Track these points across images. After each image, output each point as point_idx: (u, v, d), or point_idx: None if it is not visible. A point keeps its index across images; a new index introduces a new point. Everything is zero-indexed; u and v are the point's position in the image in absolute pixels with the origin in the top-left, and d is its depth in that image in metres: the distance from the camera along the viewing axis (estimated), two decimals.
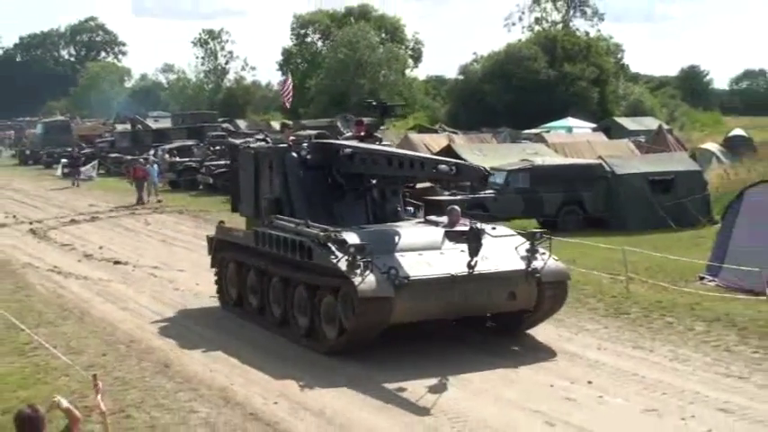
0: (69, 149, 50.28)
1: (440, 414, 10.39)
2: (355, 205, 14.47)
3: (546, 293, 12.86)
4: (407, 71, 78.88)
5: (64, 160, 48.10)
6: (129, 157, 47.02)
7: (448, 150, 30.08)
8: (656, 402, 10.63)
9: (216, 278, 16.38)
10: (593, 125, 50.53)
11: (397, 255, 12.33)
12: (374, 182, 14.53)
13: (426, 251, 12.58)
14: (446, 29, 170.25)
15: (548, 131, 45.48)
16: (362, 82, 68.45)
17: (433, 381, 11.43)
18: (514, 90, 62.59)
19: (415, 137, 38.48)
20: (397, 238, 12.78)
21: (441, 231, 13.05)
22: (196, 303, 16.80)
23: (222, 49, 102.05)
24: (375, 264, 11.84)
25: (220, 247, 16.26)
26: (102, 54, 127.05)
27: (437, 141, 35.82)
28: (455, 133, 42.28)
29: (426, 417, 10.34)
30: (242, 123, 60.19)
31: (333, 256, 12.16)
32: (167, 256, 22.55)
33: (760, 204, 16.66)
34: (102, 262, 21.78)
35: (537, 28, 79.54)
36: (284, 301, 13.75)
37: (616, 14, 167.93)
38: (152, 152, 43.52)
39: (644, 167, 25.99)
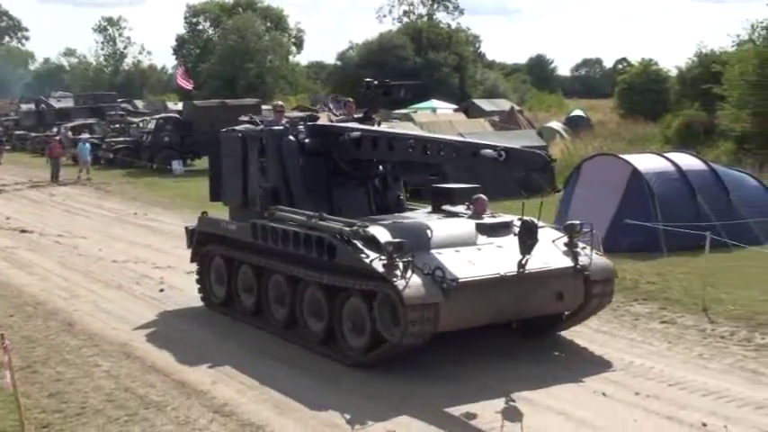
0: None
1: None
2: (356, 194, 11.87)
3: (593, 293, 10.40)
4: (291, 57, 78.37)
5: None
6: (33, 135, 45.70)
7: None
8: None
9: (197, 275, 13.24)
10: (455, 106, 51.08)
11: (434, 252, 9.68)
12: (381, 169, 11.89)
13: (462, 247, 9.95)
14: (325, 19, 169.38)
15: (415, 112, 45.66)
16: (250, 67, 67.61)
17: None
18: (386, 75, 62.44)
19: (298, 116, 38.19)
20: (429, 233, 10.01)
21: (472, 224, 10.52)
22: (98, 267, 16.32)
23: (121, 35, 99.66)
24: (415, 264, 9.24)
25: (203, 241, 13.04)
26: (6, 39, 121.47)
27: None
28: (335, 114, 42.13)
29: None
30: (140, 103, 59.02)
31: (363, 255, 9.51)
32: (71, 225, 21.82)
33: (594, 174, 17.20)
34: (9, 231, 20.93)
35: (405, 20, 80.00)
36: (291, 303, 11.10)
37: (474, 8, 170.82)
38: (55, 129, 42.46)
39: (498, 143, 26.39)
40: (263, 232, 11.09)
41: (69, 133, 40.08)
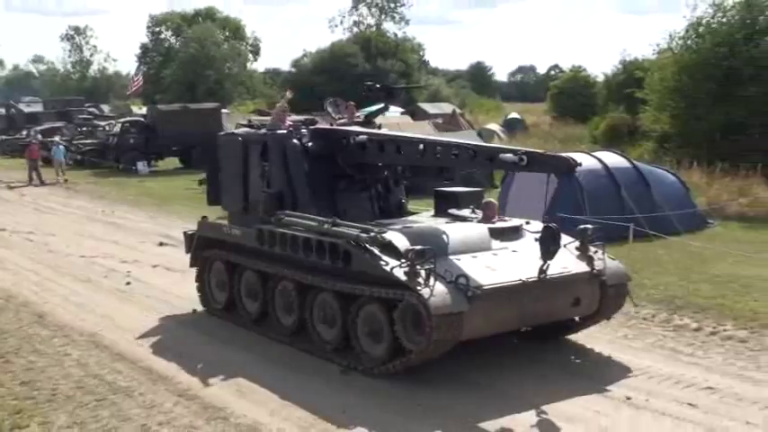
0: None
1: None
2: (360, 198, 10.94)
3: (609, 297, 9.68)
4: (248, 64, 77.71)
5: None
6: (3, 138, 44.88)
7: None
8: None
9: (197, 280, 12.31)
10: (402, 109, 51.09)
11: (453, 258, 8.85)
12: (386, 173, 11.01)
13: (479, 253, 9.16)
14: (280, 28, 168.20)
15: (366, 114, 45.87)
16: (210, 73, 66.86)
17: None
18: (338, 81, 62.71)
19: (255, 119, 37.91)
20: (446, 238, 9.19)
21: (485, 228, 9.67)
22: (68, 262, 16.02)
23: (87, 43, 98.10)
24: (437, 271, 8.37)
25: (204, 245, 12.08)
26: None
27: None
28: (289, 116, 41.88)
29: None
30: (106, 108, 58.21)
31: (383, 262, 8.67)
32: (41, 223, 21.36)
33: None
34: None
35: (355, 30, 79.90)
36: (300, 310, 10.17)
37: (419, 19, 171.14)
38: (24, 132, 41.76)
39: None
40: (270, 238, 10.11)
41: (39, 136, 39.33)
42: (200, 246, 12.12)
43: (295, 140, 10.75)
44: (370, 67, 65.59)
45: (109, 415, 8.18)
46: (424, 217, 10.76)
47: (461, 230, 9.54)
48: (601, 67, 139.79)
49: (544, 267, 8.70)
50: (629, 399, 8.34)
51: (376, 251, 8.78)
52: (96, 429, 7.89)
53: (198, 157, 30.12)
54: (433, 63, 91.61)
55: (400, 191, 11.39)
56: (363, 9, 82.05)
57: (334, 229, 9.26)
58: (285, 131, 11.00)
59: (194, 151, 34.66)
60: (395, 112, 50.49)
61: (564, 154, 8.98)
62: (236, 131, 11.71)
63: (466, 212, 10.39)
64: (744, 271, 13.88)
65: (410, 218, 10.77)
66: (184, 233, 12.67)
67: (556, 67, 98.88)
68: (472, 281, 8.40)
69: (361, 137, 10.42)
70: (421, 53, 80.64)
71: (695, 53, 29.18)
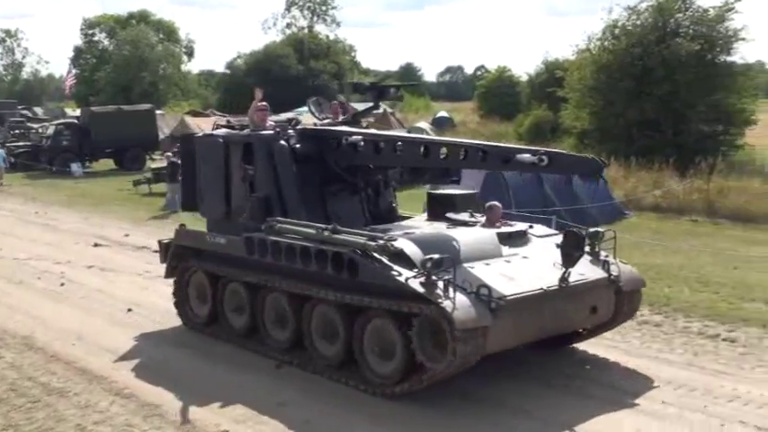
0: None
1: None
2: (351, 202, 10.01)
3: (625, 304, 8.98)
4: (183, 66, 76.44)
5: None
6: None
7: None
8: None
9: (174, 293, 11.10)
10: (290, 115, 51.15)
11: (468, 267, 7.98)
12: (381, 176, 10.16)
13: (491, 260, 8.32)
14: (214, 30, 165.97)
15: (300, 115, 45.61)
16: (144, 75, 65.57)
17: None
18: (272, 82, 62.14)
19: (189, 120, 37.48)
20: (456, 245, 8.31)
21: (493, 233, 8.84)
22: (0, 265, 15.45)
23: (19, 45, 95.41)
24: (455, 282, 7.47)
25: (182, 255, 10.89)
26: None
27: (208, 123, 34.96)
28: (224, 116, 41.46)
29: None
30: (39, 110, 56.49)
31: (395, 273, 7.72)
32: None
33: None
34: None
35: (288, 31, 79.40)
36: (295, 324, 9.19)
37: (350, 21, 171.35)
38: None
39: None
40: (261, 247, 9.04)
41: None
42: (178, 255, 10.92)
43: (283, 142, 9.65)
44: (303, 68, 65.35)
45: (44, 416, 7.96)
46: (419, 221, 9.90)
47: (470, 236, 8.68)
48: (525, 67, 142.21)
49: (566, 275, 8.03)
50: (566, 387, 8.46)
51: (385, 260, 7.84)
52: (31, 431, 7.67)
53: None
54: (365, 64, 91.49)
55: (390, 194, 10.52)
56: (296, 11, 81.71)
57: (336, 236, 8.28)
58: (272, 132, 9.91)
59: (128, 153, 34.06)
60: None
61: (587, 155, 8.09)
62: (215, 132, 10.69)
63: (464, 216, 9.62)
64: (657, 259, 14.28)
65: (405, 223, 9.94)
66: (159, 242, 11.46)
67: (482, 67, 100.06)
68: (495, 291, 7.56)
69: (355, 137, 9.39)
70: (353, 54, 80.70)
71: (611, 54, 29.87)
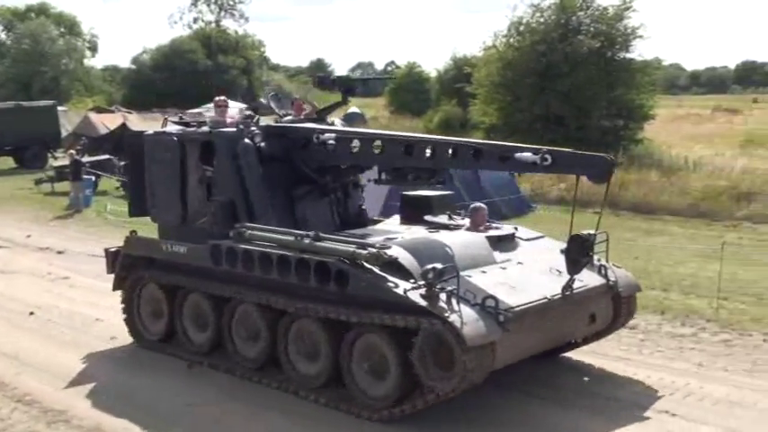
0: None
1: None
2: (320, 205, 9.22)
3: (623, 310, 8.52)
4: (85, 60, 74.11)
5: None
6: None
7: (123, 128, 28.65)
8: None
9: (124, 310, 10.01)
10: (245, 105, 50.57)
11: (465, 276, 7.25)
12: (351, 177, 9.47)
13: (486, 267, 7.74)
14: (118, 24, 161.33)
15: (207, 111, 44.94)
16: (46, 70, 63.30)
17: None
18: (179, 77, 61.15)
19: (94, 116, 36.27)
20: (449, 251, 7.65)
21: (482, 238, 8.23)
22: None
23: None
24: (458, 293, 6.86)
25: (132, 265, 9.86)
26: None
27: (113, 120, 34.00)
28: (129, 113, 40.41)
29: None
30: None
31: (391, 284, 7.04)
32: None
33: None
34: None
35: (195, 26, 77.98)
36: (270, 340, 8.37)
37: (258, 16, 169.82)
38: None
39: None
40: (229, 256, 8.16)
41: None
42: (128, 266, 9.86)
43: (248, 140, 8.83)
44: (211, 63, 64.33)
45: None
46: (394, 225, 9.21)
47: (462, 241, 8.01)
48: (434, 63, 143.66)
49: (570, 283, 7.48)
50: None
51: (377, 270, 7.15)
52: None
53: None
54: (275, 59, 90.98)
55: (359, 195, 9.78)
56: (203, 6, 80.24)
57: (319, 244, 7.51)
58: (235, 130, 9.07)
59: (28, 151, 32.80)
60: (237, 107, 50.05)
61: (598, 154, 7.30)
62: (168, 130, 9.73)
63: (443, 219, 9.00)
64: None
65: (380, 227, 9.23)
66: (106, 251, 10.26)
67: (392, 63, 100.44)
68: (501, 303, 6.94)
69: (328, 135, 8.69)
70: (262, 50, 79.84)
71: (517, 50, 30.54)
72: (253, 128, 9.10)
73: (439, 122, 41.45)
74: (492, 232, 8.49)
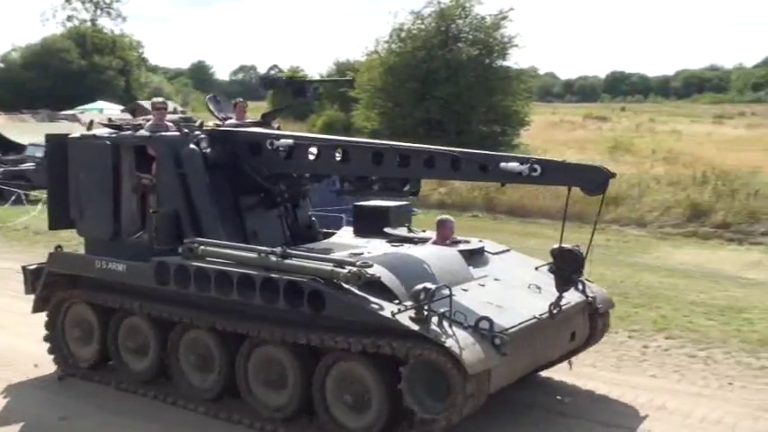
0: None
1: None
2: (269, 218, 8.51)
3: (598, 326, 8.09)
4: None
5: None
6: None
7: None
8: None
9: (47, 335, 8.92)
10: (122, 107, 49.04)
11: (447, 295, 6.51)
12: (306, 186, 8.80)
13: (466, 284, 7.13)
14: None
15: (82, 113, 43.23)
16: None
17: None
18: (52, 77, 58.65)
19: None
20: (427, 268, 7.02)
21: (455, 252, 7.64)
22: None
23: None
24: (450, 315, 6.29)
25: (57, 284, 8.76)
26: None
27: None
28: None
29: None
30: None
31: (375, 306, 6.35)
32: None
33: None
34: None
35: (69, 24, 75.02)
36: (225, 369, 7.50)
37: (136, 16, 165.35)
38: None
39: None
40: (179, 275, 7.29)
41: None
42: (53, 285, 8.79)
43: (193, 146, 8.05)
44: (86, 63, 62.05)
45: None
46: (349, 238, 8.57)
47: (438, 257, 7.37)
48: (318, 67, 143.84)
49: (558, 300, 6.91)
50: None
51: (356, 291, 6.46)
52: None
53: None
54: (154, 61, 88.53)
55: (308, 206, 9.14)
56: (77, 3, 77.28)
57: (288, 261, 6.76)
58: (178, 134, 8.25)
59: None
60: (114, 109, 48.41)
61: (595, 164, 6.78)
62: (98, 133, 8.77)
63: (403, 231, 8.52)
64: None
65: (335, 240, 8.55)
66: (23, 268, 9.09)
67: (275, 66, 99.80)
68: (495, 325, 6.34)
69: (283, 141, 7.99)
70: (140, 50, 77.62)
71: (398, 56, 31.02)
72: (197, 132, 8.36)
73: (322, 127, 41.51)
74: (462, 246, 7.94)
